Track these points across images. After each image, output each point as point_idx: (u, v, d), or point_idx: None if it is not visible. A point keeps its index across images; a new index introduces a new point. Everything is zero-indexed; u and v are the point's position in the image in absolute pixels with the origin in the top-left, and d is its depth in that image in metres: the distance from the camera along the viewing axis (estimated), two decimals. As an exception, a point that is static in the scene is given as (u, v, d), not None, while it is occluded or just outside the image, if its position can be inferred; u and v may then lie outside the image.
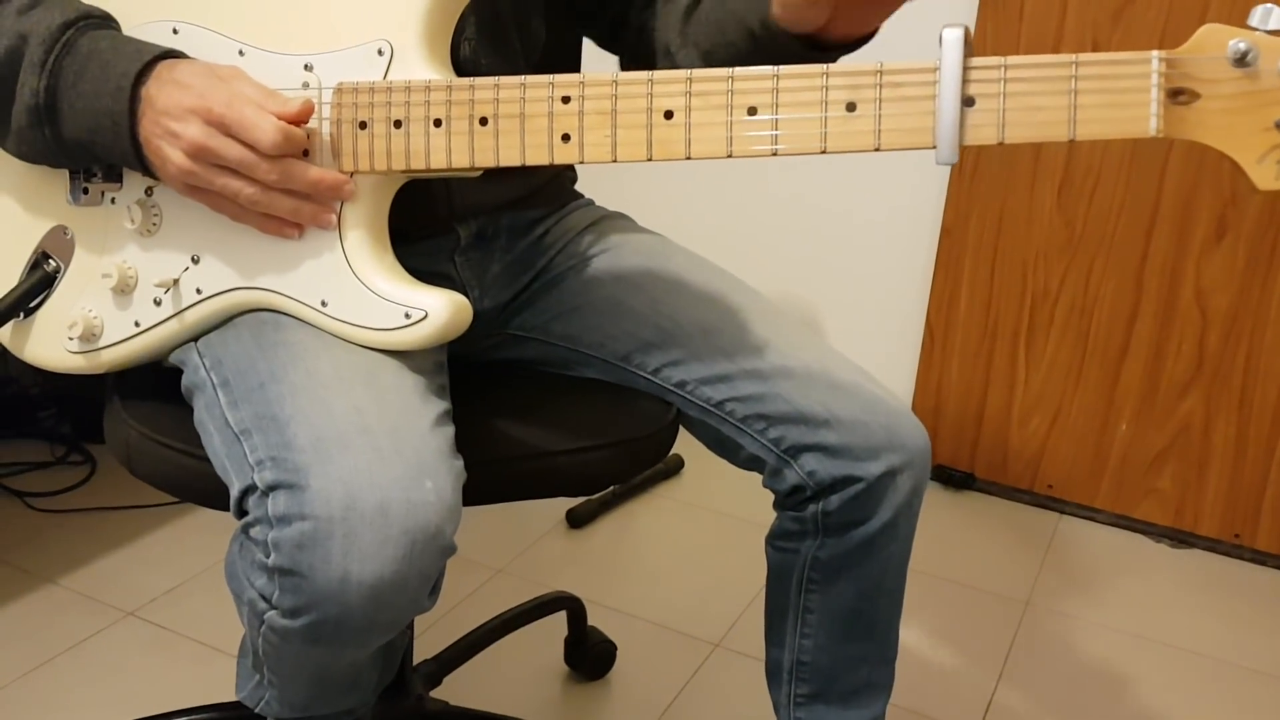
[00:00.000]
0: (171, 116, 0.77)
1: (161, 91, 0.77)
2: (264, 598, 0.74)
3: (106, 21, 0.82)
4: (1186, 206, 1.77)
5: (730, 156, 0.74)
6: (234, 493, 0.75)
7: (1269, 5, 0.64)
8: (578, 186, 1.16)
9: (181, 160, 0.78)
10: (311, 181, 0.79)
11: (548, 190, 1.09)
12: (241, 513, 0.75)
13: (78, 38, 0.79)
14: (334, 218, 0.81)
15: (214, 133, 0.76)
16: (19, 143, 0.82)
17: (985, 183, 1.90)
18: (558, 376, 1.04)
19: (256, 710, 0.94)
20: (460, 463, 0.78)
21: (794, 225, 2.08)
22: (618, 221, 1.12)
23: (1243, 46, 0.64)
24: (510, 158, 0.77)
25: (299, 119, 0.78)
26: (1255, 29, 0.64)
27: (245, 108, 0.76)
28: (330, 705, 0.93)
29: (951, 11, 1.85)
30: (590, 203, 1.14)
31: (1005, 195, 1.89)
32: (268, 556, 0.72)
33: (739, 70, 0.72)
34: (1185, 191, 1.77)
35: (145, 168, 0.81)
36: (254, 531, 0.73)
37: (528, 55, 1.00)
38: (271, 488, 0.72)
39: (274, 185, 0.78)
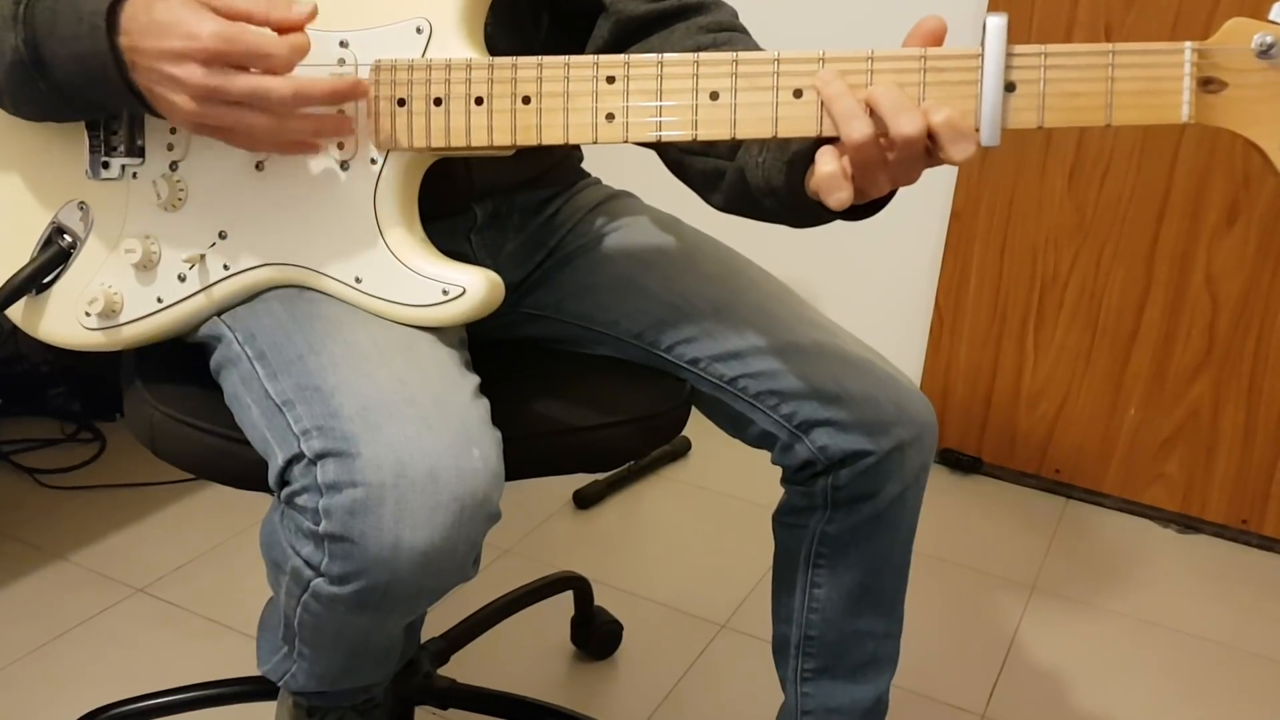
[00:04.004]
0: (165, 61, 0.73)
1: (144, 38, 0.73)
2: (310, 565, 0.74)
3: None
4: (1198, 192, 1.77)
5: (775, 137, 0.75)
6: (276, 463, 0.75)
7: None
8: (583, 166, 1.16)
9: (188, 104, 0.74)
10: (326, 93, 0.75)
11: (558, 170, 1.09)
12: (283, 483, 0.75)
13: None
14: (350, 125, 0.79)
15: (215, 71, 0.72)
16: (19, 102, 0.80)
17: (996, 167, 1.90)
18: (572, 354, 1.04)
19: (280, 683, 0.94)
20: (499, 433, 0.78)
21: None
22: (626, 201, 1.12)
23: (1268, 40, 0.68)
24: (553, 136, 0.77)
25: (304, 23, 0.75)
26: (1276, 23, 0.68)
27: (246, 36, 0.72)
28: (360, 678, 0.94)
29: (963, -6, 1.84)
30: (598, 182, 1.15)
31: (1016, 179, 1.89)
32: (317, 524, 0.72)
33: (785, 54, 0.73)
34: (1197, 177, 1.76)
35: (151, 110, 0.78)
36: (300, 500, 0.73)
37: (535, 42, 1.00)
38: (320, 456, 0.72)
39: (290, 105, 0.75)
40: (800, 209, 0.82)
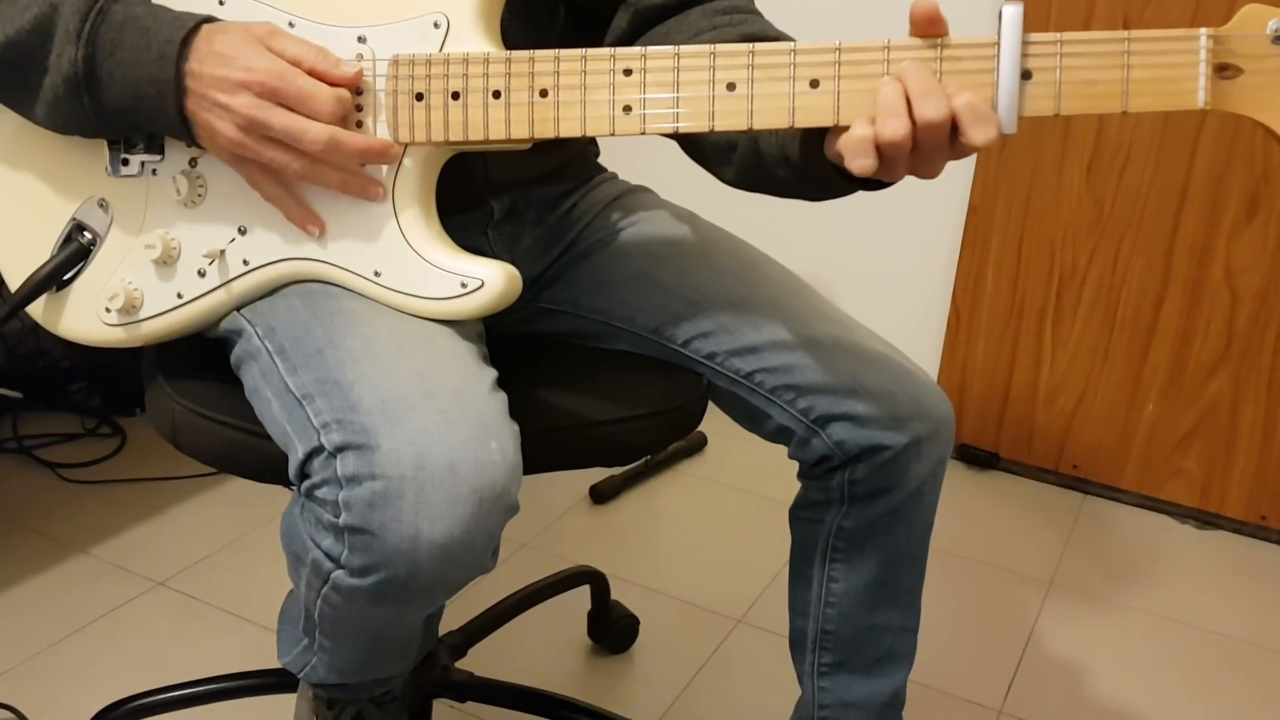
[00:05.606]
0: (220, 90, 0.77)
1: (204, 65, 0.77)
2: (331, 557, 0.75)
3: None
4: (1217, 185, 1.76)
5: (792, 127, 0.75)
6: (297, 456, 0.76)
7: None
8: (600, 161, 1.16)
9: (233, 133, 0.78)
10: (358, 150, 0.79)
11: (574, 164, 1.09)
12: (303, 476, 0.76)
13: (111, 5, 0.78)
14: (381, 190, 0.81)
15: (263, 104, 0.77)
16: (53, 114, 0.82)
17: (1013, 161, 1.89)
18: (589, 349, 1.05)
19: (300, 675, 0.95)
20: (517, 426, 0.79)
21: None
22: (643, 195, 1.12)
23: None
24: (571, 129, 0.77)
25: (351, 84, 0.79)
26: None
27: (299, 79, 0.77)
28: (379, 670, 0.95)
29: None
30: (614, 176, 1.15)
31: (1033, 173, 1.88)
32: (337, 516, 0.73)
33: (801, 45, 0.73)
34: (1216, 170, 1.75)
35: (190, 137, 0.81)
36: (321, 492, 0.74)
37: (551, 35, 1.00)
38: (340, 449, 0.73)
39: (320, 155, 0.78)
40: (814, 178, 0.83)
